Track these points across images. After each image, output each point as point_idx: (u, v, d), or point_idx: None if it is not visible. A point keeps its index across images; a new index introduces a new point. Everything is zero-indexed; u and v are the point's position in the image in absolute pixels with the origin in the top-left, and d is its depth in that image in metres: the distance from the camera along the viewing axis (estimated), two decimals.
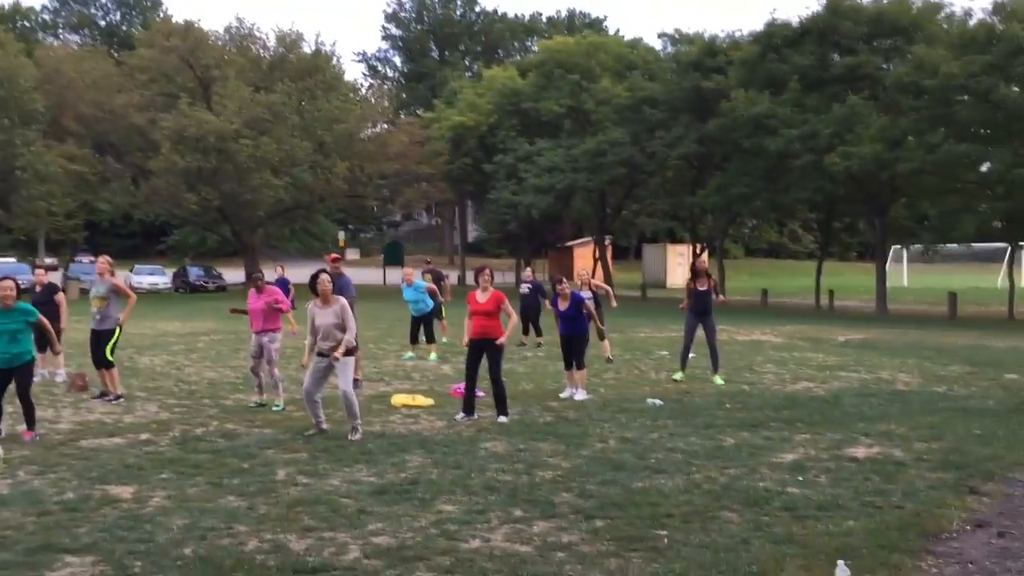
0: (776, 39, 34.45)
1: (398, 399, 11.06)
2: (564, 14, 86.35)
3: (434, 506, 6.46)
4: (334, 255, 13.27)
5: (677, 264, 53.01)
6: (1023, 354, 17.28)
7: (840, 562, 5.06)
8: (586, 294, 13.42)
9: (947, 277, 45.51)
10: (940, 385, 12.82)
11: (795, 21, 34.60)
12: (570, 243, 56.42)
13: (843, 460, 7.92)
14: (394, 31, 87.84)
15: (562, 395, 11.55)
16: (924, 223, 35.40)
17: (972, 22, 30.64)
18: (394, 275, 39.46)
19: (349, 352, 8.96)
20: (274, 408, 10.42)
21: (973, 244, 37.29)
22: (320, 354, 8.93)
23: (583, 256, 50.79)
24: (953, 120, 28.87)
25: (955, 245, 36.33)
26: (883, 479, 7.23)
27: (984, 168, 30.44)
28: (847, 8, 33.03)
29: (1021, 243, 33.64)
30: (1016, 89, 27.11)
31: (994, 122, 28.81)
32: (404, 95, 73.72)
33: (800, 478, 7.27)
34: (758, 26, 36.73)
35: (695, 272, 13.51)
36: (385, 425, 9.58)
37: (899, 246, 42.25)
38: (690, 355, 13.52)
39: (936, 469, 7.57)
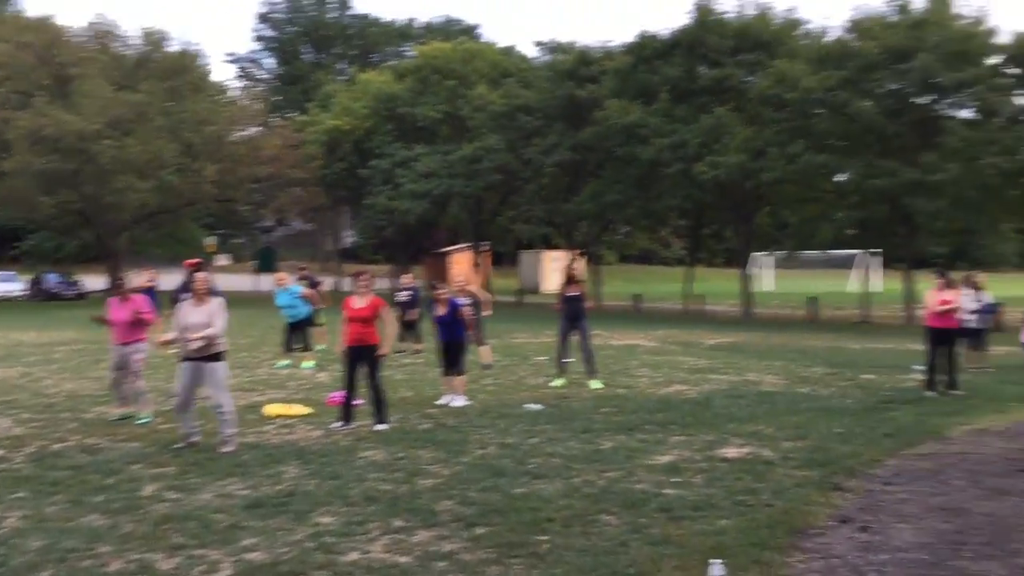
0: (647, 51, 35.34)
1: (272, 409, 10.76)
2: (439, 19, 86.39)
3: (311, 519, 6.30)
4: (192, 260, 12.87)
5: (552, 270, 53.62)
6: (877, 355, 18.22)
7: (712, 561, 5.18)
8: (463, 300, 13.40)
9: (808, 281, 47.62)
10: (803, 386, 13.36)
11: (665, 34, 35.60)
12: (447, 249, 56.35)
13: (716, 460, 8.15)
14: (267, 32, 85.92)
15: (441, 402, 11.49)
16: (785, 230, 36.98)
17: (829, 39, 32.16)
18: (267, 282, 38.50)
19: (218, 356, 8.63)
20: (139, 421, 9.98)
21: (830, 250, 39.14)
22: (187, 358, 8.59)
23: (460, 262, 50.79)
24: (812, 132, 30.23)
25: (814, 251, 38.06)
26: (753, 478, 7.47)
27: (840, 178, 31.98)
28: (713, 22, 34.17)
29: (873, 250, 35.53)
30: (869, 103, 28.58)
31: (849, 134, 30.32)
32: (278, 97, 72.12)
33: (675, 479, 7.43)
34: (630, 38, 37.60)
35: (567, 278, 13.75)
36: (259, 436, 9.30)
37: (764, 252, 43.95)
38: (568, 360, 13.67)
39: (802, 467, 7.87)
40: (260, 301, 32.98)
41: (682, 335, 23.38)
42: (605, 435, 9.31)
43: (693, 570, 5.23)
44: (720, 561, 5.16)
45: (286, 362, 15.55)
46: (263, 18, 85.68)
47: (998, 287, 21.56)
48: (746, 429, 9.64)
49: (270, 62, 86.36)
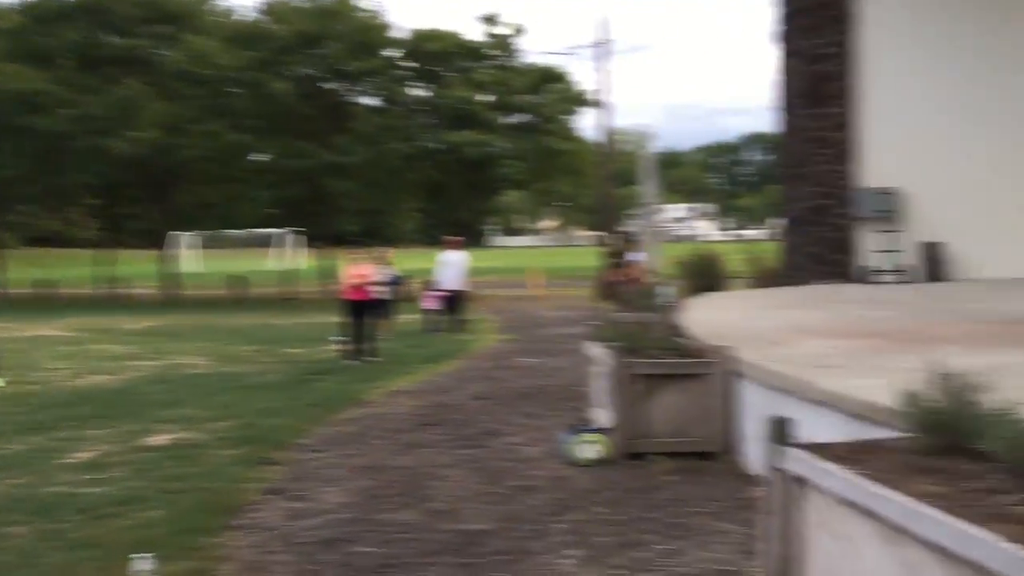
0: (44, 11, 32.07)
1: None
2: None
3: None
4: None
5: None
6: (302, 330, 18.98)
7: (134, 556, 4.89)
8: None
9: (234, 261, 47.74)
10: (232, 365, 13.36)
11: None
12: None
13: (142, 451, 7.76)
14: None
15: None
16: (209, 210, 36.56)
17: (243, 18, 32.37)
18: None
19: None
20: None
21: (255, 229, 39.73)
22: None
23: None
24: (230, 111, 30.24)
25: (240, 231, 38.33)
26: (184, 463, 7.25)
27: (260, 158, 32.54)
28: None
29: (296, 229, 36.92)
30: (285, 85, 29.43)
31: (267, 115, 30.91)
32: None
33: (97, 476, 6.90)
34: None
35: None
36: None
37: (187, 232, 42.98)
38: None
39: (233, 446, 7.85)
40: None
41: (100, 322, 21.95)
42: (13, 438, 8.31)
43: (116, 569, 4.87)
44: (144, 555, 4.89)
45: None
46: None
47: (403, 261, 23.80)
48: (173, 414, 9.34)
49: None
